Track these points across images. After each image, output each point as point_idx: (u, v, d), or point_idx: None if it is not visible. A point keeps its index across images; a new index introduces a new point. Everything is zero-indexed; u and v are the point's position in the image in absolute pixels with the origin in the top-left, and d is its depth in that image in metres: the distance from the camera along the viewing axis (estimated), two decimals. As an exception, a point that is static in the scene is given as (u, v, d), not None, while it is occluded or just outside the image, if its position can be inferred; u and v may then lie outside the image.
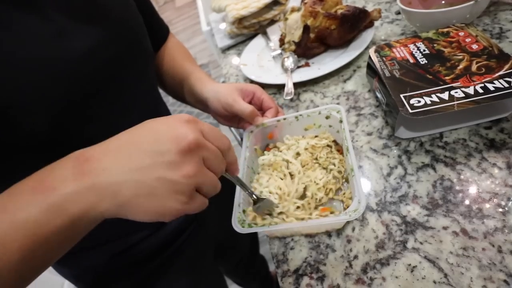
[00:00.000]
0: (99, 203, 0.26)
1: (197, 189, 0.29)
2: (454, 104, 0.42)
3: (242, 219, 0.42)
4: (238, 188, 0.46)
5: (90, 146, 0.30)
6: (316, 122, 0.54)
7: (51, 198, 0.25)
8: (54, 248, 0.26)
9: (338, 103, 0.63)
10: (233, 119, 0.57)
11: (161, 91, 0.64)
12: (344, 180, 0.48)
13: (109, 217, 0.27)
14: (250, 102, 0.55)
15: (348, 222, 0.44)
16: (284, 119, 0.53)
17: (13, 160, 0.36)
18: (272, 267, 1.25)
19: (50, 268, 0.35)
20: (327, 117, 0.52)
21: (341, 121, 0.49)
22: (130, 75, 0.45)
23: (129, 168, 0.26)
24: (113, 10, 0.43)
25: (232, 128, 0.87)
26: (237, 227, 0.41)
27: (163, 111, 0.59)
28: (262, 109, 0.56)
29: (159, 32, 0.64)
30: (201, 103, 0.60)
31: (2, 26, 0.31)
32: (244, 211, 0.44)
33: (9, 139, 0.33)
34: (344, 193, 0.46)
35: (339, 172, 0.48)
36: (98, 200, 0.26)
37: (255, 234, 1.02)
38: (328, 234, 0.44)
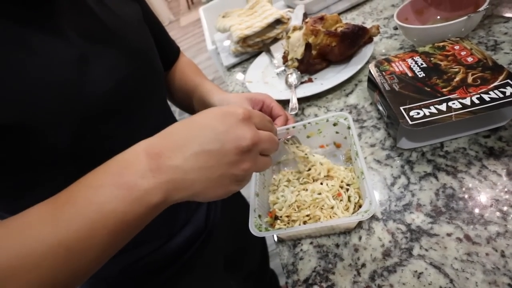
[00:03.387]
0: (176, 194, 0.31)
1: None
2: (452, 114, 0.44)
3: (258, 223, 0.44)
4: (252, 195, 0.48)
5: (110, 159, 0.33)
6: (320, 129, 0.56)
7: (135, 193, 0.29)
8: (134, 230, 0.31)
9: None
10: None
11: (170, 103, 0.67)
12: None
13: (181, 201, 0.33)
14: (259, 111, 0.57)
15: (355, 232, 0.45)
16: (293, 127, 0.56)
17: (35, 174, 0.38)
18: (282, 281, 1.24)
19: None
20: (334, 124, 0.54)
21: (349, 128, 0.51)
22: (143, 93, 0.48)
23: (198, 167, 0.31)
24: (127, 35, 0.46)
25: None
26: (254, 231, 0.43)
27: (172, 123, 0.62)
28: (271, 117, 0.57)
29: (170, 52, 0.68)
30: None
31: (28, 49, 0.34)
32: (259, 216, 0.45)
33: (32, 154, 0.36)
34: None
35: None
36: (175, 192, 0.31)
37: (265, 247, 1.03)
38: (336, 244, 0.45)
